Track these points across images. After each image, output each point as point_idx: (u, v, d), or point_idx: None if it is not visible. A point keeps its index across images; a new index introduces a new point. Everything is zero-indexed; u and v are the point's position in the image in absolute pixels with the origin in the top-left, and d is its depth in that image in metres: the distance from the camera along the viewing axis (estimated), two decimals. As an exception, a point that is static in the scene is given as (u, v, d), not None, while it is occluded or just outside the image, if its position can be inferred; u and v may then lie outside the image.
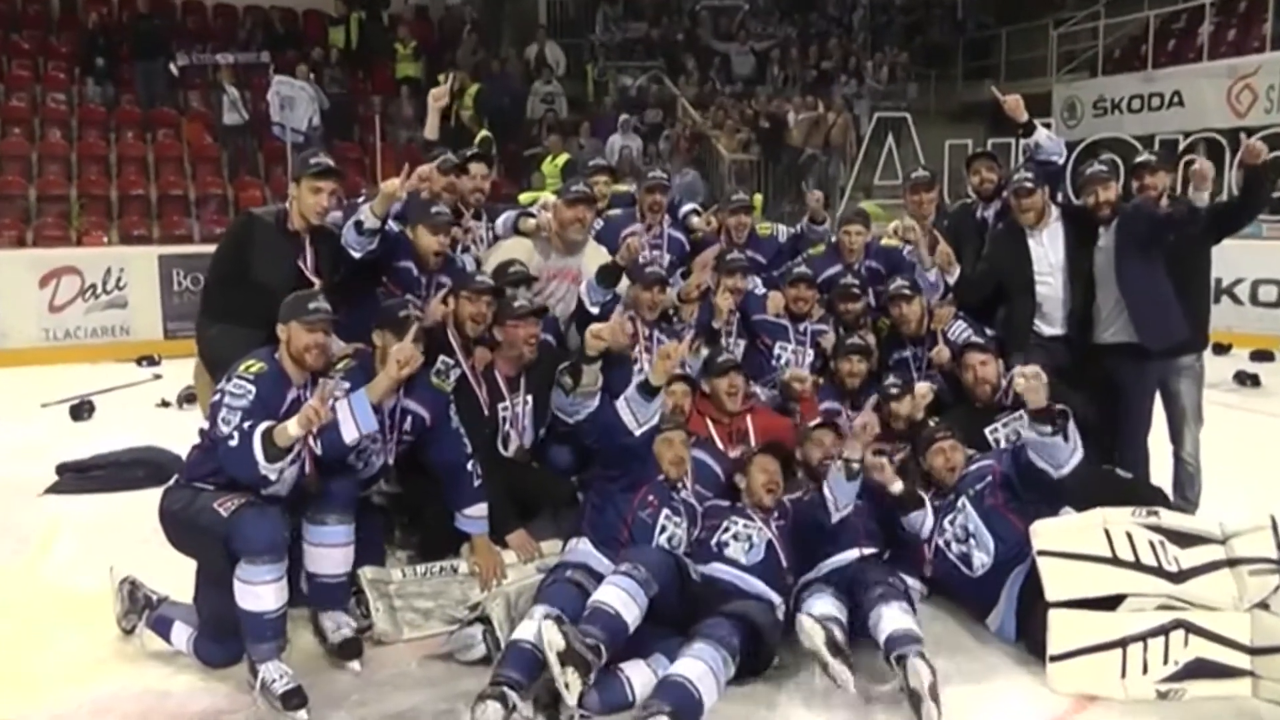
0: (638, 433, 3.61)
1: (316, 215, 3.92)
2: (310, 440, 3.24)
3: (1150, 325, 4.27)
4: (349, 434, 3.27)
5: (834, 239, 5.30)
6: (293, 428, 3.06)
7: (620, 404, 3.65)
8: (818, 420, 4.09)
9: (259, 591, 3.09)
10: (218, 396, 3.23)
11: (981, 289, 4.76)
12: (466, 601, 3.66)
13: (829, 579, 3.58)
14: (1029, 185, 4.53)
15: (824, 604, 3.38)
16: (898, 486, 3.75)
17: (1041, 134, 4.86)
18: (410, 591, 3.69)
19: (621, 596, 3.07)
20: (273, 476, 3.13)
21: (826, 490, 3.56)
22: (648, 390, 3.60)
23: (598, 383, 3.82)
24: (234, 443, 3.11)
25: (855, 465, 3.52)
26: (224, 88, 11.91)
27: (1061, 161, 4.93)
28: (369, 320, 3.70)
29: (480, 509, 3.81)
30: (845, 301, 4.92)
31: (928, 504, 3.77)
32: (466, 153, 5.07)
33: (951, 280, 4.75)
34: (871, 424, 3.59)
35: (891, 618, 3.27)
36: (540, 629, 2.97)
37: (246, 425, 3.11)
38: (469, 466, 3.78)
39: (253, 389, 3.19)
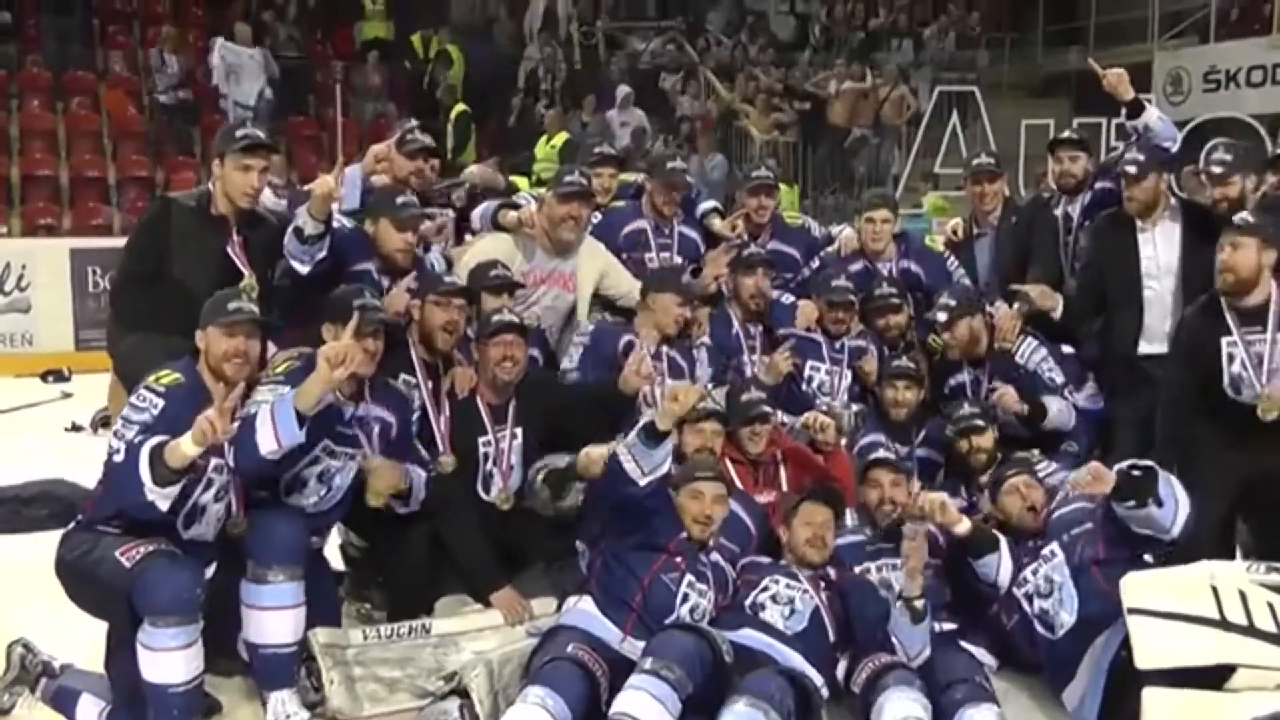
0: (642, 482, 3.61)
1: (245, 198, 3.95)
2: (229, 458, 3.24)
3: None
4: (265, 444, 3.21)
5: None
6: (186, 445, 3.00)
7: (621, 451, 3.65)
8: (876, 456, 4.13)
9: (164, 659, 3.06)
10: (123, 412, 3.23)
11: (1092, 300, 4.80)
12: (441, 670, 3.66)
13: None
14: (1142, 167, 4.55)
15: (907, 702, 3.34)
16: (964, 526, 3.74)
17: (1152, 114, 4.87)
18: (373, 658, 3.70)
19: (654, 709, 3.08)
20: (161, 504, 3.07)
21: (894, 639, 3.56)
22: (652, 435, 3.58)
23: (579, 500, 4.03)
24: (119, 458, 3.09)
25: (919, 604, 3.50)
26: (163, 58, 11.92)
27: (1175, 149, 4.97)
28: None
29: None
30: (884, 315, 4.94)
31: (1002, 543, 3.76)
32: (413, 124, 5.08)
33: (1057, 315, 4.77)
34: (922, 544, 3.56)
35: None
36: None
37: (139, 440, 3.09)
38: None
39: (160, 402, 3.18)
